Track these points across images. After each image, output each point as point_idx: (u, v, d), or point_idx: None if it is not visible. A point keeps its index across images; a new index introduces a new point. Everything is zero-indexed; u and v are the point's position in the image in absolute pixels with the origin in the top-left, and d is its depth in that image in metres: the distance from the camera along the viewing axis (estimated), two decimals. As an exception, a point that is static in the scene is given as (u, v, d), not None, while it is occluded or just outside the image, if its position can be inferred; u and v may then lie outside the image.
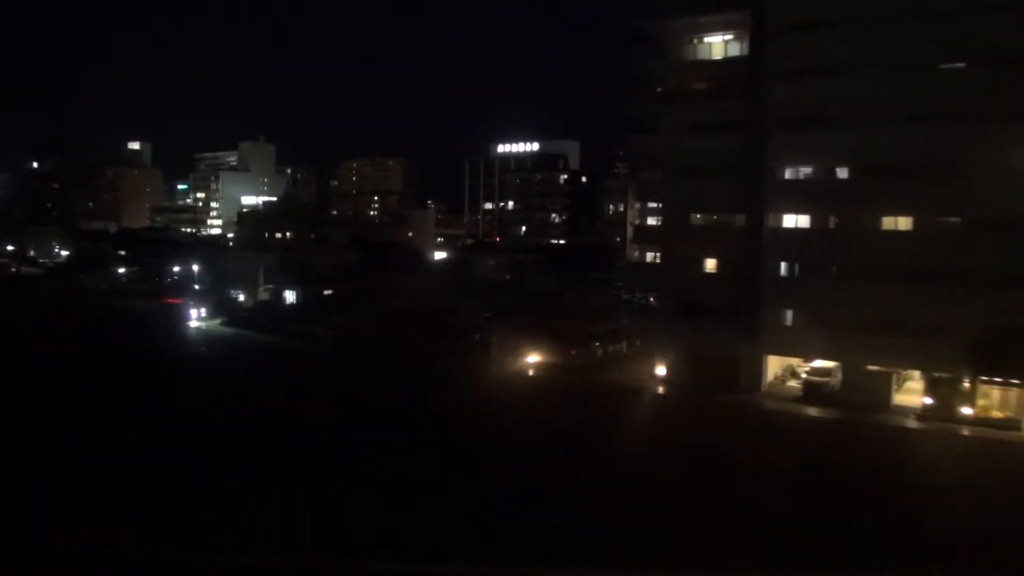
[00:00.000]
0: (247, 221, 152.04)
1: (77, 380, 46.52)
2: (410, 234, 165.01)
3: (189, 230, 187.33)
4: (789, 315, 48.59)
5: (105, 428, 35.97)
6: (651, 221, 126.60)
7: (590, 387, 48.77)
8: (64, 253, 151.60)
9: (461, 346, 56.53)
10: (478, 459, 32.50)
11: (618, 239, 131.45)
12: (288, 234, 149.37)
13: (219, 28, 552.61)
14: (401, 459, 31.67)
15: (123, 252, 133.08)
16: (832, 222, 47.31)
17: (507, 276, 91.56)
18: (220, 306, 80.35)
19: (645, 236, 54.50)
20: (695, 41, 50.53)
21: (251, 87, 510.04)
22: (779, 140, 46.48)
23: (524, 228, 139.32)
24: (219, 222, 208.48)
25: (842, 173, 47.30)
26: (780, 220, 48.34)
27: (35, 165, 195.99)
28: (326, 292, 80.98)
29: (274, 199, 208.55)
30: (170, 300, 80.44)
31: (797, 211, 47.73)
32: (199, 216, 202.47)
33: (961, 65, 42.83)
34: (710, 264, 50.97)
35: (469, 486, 28.24)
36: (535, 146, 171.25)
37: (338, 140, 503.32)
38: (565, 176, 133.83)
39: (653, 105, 51.17)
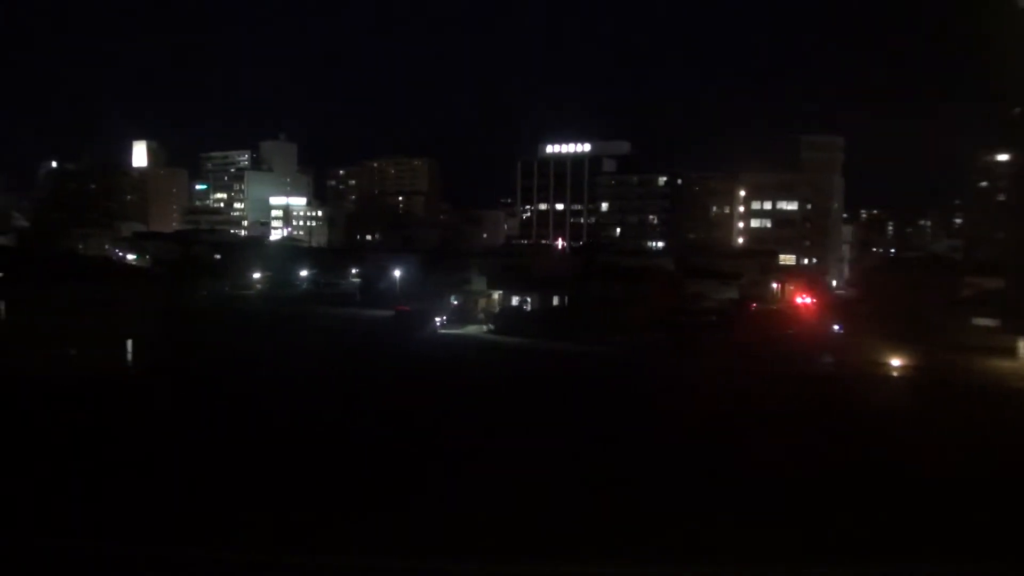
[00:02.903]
0: (339, 223, 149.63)
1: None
2: (484, 235, 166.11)
3: (242, 232, 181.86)
4: None
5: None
6: (756, 223, 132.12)
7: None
8: (130, 257, 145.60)
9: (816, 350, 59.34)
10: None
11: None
12: (376, 236, 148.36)
13: (218, 24, 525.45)
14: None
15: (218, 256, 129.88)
16: None
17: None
18: (446, 312, 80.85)
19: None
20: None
21: (251, 87, 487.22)
22: None
23: (619, 230, 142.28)
24: (244, 223, 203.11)
25: None
26: None
27: (54, 165, 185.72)
28: (555, 298, 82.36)
29: (302, 199, 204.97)
30: (401, 308, 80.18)
31: None
32: (232, 217, 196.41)
33: None
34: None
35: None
36: (587, 147, 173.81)
37: (334, 141, 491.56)
38: (664, 179, 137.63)
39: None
